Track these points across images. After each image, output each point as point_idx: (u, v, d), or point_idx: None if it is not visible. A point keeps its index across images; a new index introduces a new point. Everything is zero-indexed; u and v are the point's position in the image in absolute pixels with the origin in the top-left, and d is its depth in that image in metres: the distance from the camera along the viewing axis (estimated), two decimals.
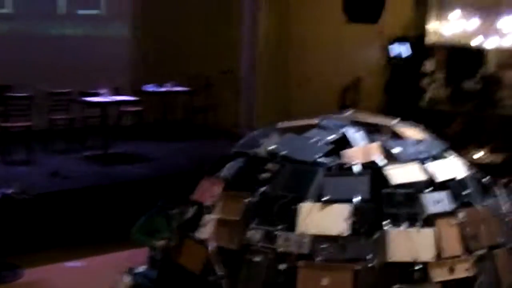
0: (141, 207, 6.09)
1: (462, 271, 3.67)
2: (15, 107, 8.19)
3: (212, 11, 10.78)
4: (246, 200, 3.94)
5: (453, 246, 3.71)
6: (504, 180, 4.83)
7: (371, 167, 3.88)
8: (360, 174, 3.83)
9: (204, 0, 10.71)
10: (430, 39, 10.88)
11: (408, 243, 3.61)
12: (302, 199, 3.82)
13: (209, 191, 4.24)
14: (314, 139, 4.21)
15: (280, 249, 3.70)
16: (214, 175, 4.36)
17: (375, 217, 3.70)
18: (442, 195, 3.86)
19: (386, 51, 11.22)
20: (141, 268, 5.12)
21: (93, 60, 9.23)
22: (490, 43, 10.32)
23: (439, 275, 3.62)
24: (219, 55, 10.41)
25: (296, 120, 4.67)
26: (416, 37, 10.96)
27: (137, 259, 5.57)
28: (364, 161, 3.90)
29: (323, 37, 11.27)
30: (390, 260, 3.57)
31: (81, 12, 10.52)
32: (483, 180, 4.20)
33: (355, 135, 4.15)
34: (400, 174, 3.85)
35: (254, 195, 3.96)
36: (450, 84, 12.78)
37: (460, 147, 5.01)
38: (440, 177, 3.93)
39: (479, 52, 10.43)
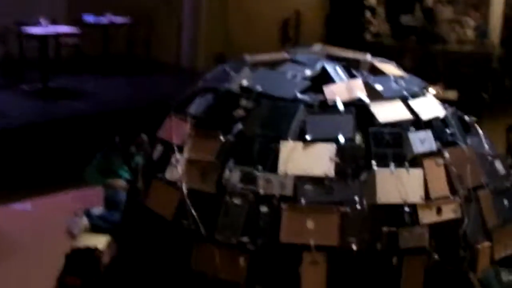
0: (88, 145, 5.73)
1: (449, 212, 3.55)
2: None
3: None
4: (222, 139, 3.66)
5: (440, 186, 3.57)
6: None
7: (355, 105, 3.66)
8: (344, 111, 3.60)
9: None
10: None
11: (397, 184, 3.44)
12: (282, 138, 3.56)
13: (177, 129, 3.92)
14: (290, 74, 3.94)
15: (261, 191, 3.47)
16: (180, 112, 4.04)
17: (362, 157, 3.51)
18: (427, 134, 3.69)
19: None
20: (97, 210, 4.80)
21: None
22: None
23: (427, 216, 3.48)
24: None
25: (256, 54, 4.36)
26: None
27: (88, 200, 5.24)
28: (348, 98, 3.66)
29: None
30: (379, 202, 3.39)
31: None
32: (465, 118, 4.07)
33: (336, 70, 3.90)
34: (386, 112, 3.64)
35: (229, 134, 3.69)
36: (390, 18, 12.77)
37: None
38: (425, 116, 3.75)
39: None
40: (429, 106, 3.89)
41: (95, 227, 4.54)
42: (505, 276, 3.70)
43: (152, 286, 3.68)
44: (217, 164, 3.62)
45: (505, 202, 3.88)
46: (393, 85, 3.88)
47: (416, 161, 3.55)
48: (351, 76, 3.91)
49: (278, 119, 3.66)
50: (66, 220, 4.77)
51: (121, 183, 4.95)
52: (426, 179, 3.52)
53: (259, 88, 3.81)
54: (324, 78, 3.89)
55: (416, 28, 11.73)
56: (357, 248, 3.35)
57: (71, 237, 4.56)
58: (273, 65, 4.13)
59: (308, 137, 3.53)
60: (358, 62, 4.12)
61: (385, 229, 3.39)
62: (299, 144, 3.53)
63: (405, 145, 3.56)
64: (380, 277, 3.42)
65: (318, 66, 3.99)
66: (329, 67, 3.91)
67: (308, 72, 3.93)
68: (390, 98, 3.73)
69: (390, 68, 4.15)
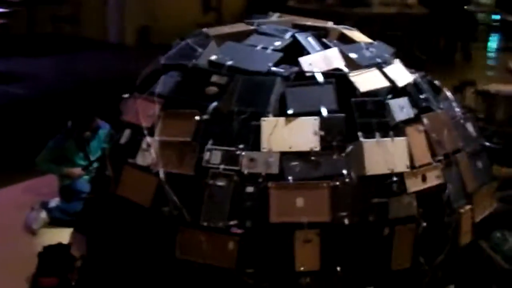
0: (30, 132, 5.38)
1: (433, 179, 3.53)
2: None
3: None
4: (197, 118, 3.47)
5: (423, 153, 3.54)
6: None
7: (334, 75, 3.54)
8: (325, 83, 3.48)
9: None
10: None
11: (383, 154, 3.37)
12: (262, 114, 3.41)
13: (145, 111, 3.69)
14: (260, 47, 3.77)
15: (246, 171, 3.32)
16: (145, 92, 3.81)
17: (345, 129, 3.41)
18: (404, 101, 3.63)
19: None
20: (54, 202, 4.50)
21: None
22: None
23: (414, 185, 3.44)
24: None
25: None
26: None
27: (39, 191, 4.93)
28: (327, 68, 3.55)
29: None
30: (368, 174, 3.31)
31: None
32: (434, 82, 4.04)
33: (308, 40, 3.76)
34: (365, 81, 3.56)
35: (203, 113, 3.50)
36: None
37: None
38: (401, 82, 3.69)
39: None
40: (401, 72, 3.83)
41: (55, 220, 4.27)
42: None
43: (133, 279, 3.49)
44: (194, 145, 3.44)
45: (480, 164, 3.91)
46: (366, 53, 3.79)
47: (398, 129, 3.50)
48: (323, 46, 3.79)
49: (255, 94, 3.49)
50: (25, 215, 4.44)
51: (77, 171, 4.66)
52: (409, 147, 3.48)
53: (230, 62, 3.63)
54: (296, 48, 3.75)
55: None
56: (349, 222, 3.28)
57: (30, 233, 4.26)
58: (238, 37, 3.95)
59: (290, 111, 3.39)
60: (326, 30, 4.00)
61: (375, 200, 3.33)
62: (281, 119, 3.39)
63: (387, 113, 3.50)
64: (371, 248, 3.37)
65: (287, 37, 3.84)
66: (301, 37, 3.77)
67: (278, 43, 3.77)
68: (367, 66, 3.65)
69: (358, 36, 4.06)
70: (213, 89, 3.58)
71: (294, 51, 3.74)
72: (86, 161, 4.73)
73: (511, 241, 3.69)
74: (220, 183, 3.33)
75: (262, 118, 3.38)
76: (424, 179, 3.49)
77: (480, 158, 3.94)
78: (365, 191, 3.33)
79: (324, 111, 3.39)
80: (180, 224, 3.35)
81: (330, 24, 4.21)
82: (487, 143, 4.08)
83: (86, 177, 4.67)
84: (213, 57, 3.70)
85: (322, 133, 3.35)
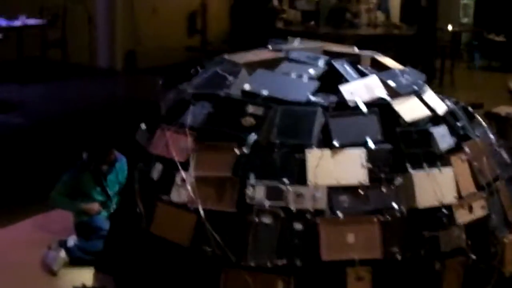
0: (35, 165, 5.15)
1: (479, 209, 3.43)
2: None
3: None
4: (236, 152, 3.32)
5: (468, 183, 3.45)
6: None
7: (376, 104, 3.43)
8: (369, 112, 3.36)
9: None
10: None
11: (433, 186, 3.27)
12: (305, 146, 3.28)
13: (176, 144, 3.52)
14: (293, 75, 3.65)
15: (293, 207, 3.18)
16: (173, 123, 3.64)
17: (392, 160, 3.30)
18: (444, 129, 3.54)
19: None
20: (72, 240, 4.27)
21: None
22: None
23: (462, 216, 3.35)
24: None
25: (238, 53, 4.03)
26: None
27: (50, 227, 4.70)
28: (369, 97, 3.43)
29: None
30: (420, 207, 3.21)
31: None
32: (468, 109, 3.97)
33: (345, 67, 3.65)
34: (408, 110, 3.45)
35: (241, 145, 3.35)
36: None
37: None
38: (440, 110, 3.61)
39: None
40: (436, 99, 3.75)
41: (75, 260, 4.06)
42: None
43: None
44: (235, 179, 3.29)
45: None
46: (403, 80, 3.69)
47: (443, 159, 3.40)
48: (360, 73, 3.68)
49: (296, 125, 3.36)
50: (41, 254, 4.21)
51: (95, 206, 4.43)
52: (456, 177, 3.39)
53: (265, 92, 3.49)
54: (331, 76, 3.64)
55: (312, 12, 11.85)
56: (401, 257, 3.16)
57: (50, 274, 4.03)
58: (269, 65, 3.81)
59: (335, 143, 3.27)
60: (359, 57, 3.90)
61: (426, 234, 3.22)
62: (327, 152, 3.26)
63: (432, 143, 3.40)
64: (422, 284, 3.25)
65: (321, 64, 3.72)
66: (337, 65, 3.66)
67: (312, 71, 3.65)
68: (406, 94, 3.55)
69: (390, 61, 3.97)
70: (250, 120, 3.43)
71: (329, 78, 3.63)
72: (103, 195, 4.52)
73: None
74: (267, 220, 3.18)
75: (307, 150, 3.25)
76: (470, 209, 3.40)
77: None
78: (415, 225, 3.22)
79: (371, 143, 3.28)
80: (224, 264, 3.19)
81: (356, 49, 4.12)
82: None
83: (104, 213, 4.47)
84: (247, 86, 3.56)
85: (370, 165, 3.24)
